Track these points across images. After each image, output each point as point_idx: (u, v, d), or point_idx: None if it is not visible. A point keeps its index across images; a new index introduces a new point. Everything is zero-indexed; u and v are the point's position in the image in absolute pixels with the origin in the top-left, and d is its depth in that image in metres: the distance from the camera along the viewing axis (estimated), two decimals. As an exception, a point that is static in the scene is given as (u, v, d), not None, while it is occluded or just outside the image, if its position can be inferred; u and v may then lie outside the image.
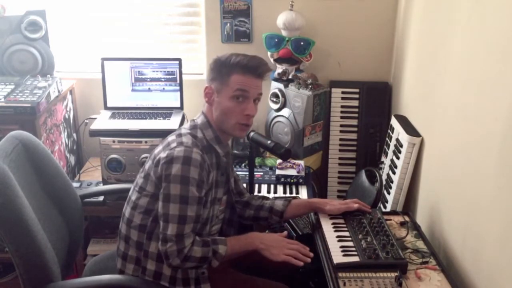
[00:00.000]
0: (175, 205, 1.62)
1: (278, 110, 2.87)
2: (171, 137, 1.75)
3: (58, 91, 2.78)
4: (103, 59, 2.80)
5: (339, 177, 3.07)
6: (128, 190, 2.25)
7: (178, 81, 2.83)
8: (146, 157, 2.53)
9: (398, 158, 2.43)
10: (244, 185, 2.54)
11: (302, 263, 1.72)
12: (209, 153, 1.75)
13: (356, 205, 1.97)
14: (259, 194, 2.30)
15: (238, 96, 1.71)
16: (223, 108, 1.73)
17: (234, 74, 1.71)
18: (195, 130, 1.76)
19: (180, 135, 1.73)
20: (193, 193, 1.63)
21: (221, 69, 1.72)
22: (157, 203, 1.68)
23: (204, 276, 1.77)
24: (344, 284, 1.62)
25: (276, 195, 2.50)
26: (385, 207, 2.52)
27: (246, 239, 1.77)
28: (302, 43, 2.85)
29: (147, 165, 1.75)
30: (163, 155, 1.66)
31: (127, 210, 1.79)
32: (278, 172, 2.62)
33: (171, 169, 1.62)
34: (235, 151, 2.80)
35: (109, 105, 2.84)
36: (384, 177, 2.56)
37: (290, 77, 2.86)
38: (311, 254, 1.75)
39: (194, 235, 1.67)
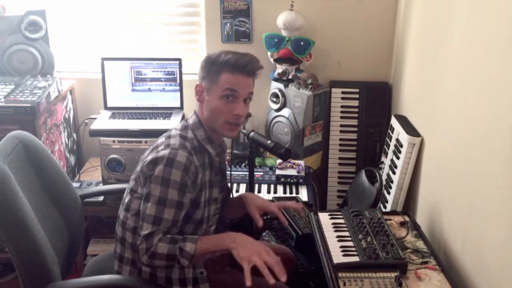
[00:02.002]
0: (152, 205, 1.61)
1: (278, 110, 2.87)
2: (160, 139, 1.74)
3: (58, 91, 2.78)
4: (103, 59, 2.79)
5: (339, 177, 3.07)
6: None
7: (178, 81, 2.83)
8: (146, 157, 2.55)
9: (398, 158, 2.43)
10: (244, 185, 2.55)
11: (272, 281, 1.51)
12: (201, 154, 1.73)
13: (260, 224, 1.86)
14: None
15: (227, 95, 1.69)
16: (212, 107, 1.72)
17: (223, 73, 1.69)
18: (186, 131, 1.75)
19: (169, 137, 1.72)
20: (173, 196, 1.61)
21: (211, 67, 1.71)
22: None
23: (203, 276, 1.76)
24: (344, 284, 1.62)
25: (276, 195, 2.49)
26: (385, 207, 2.52)
27: (218, 238, 1.67)
28: (302, 43, 2.85)
29: (138, 167, 1.75)
30: (149, 157, 1.66)
31: (121, 213, 1.78)
32: (278, 172, 2.61)
33: (154, 170, 1.62)
34: (235, 151, 2.80)
35: (109, 105, 2.84)
36: (384, 177, 2.56)
37: (290, 77, 2.86)
38: (284, 279, 1.54)
39: (163, 234, 1.61)
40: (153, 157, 1.64)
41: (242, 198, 1.96)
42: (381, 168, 2.68)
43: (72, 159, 3.01)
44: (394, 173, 2.46)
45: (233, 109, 1.70)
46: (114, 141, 2.57)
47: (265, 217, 2.31)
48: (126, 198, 1.77)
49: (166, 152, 1.63)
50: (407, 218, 2.05)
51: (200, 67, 1.76)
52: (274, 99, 2.88)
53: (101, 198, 2.58)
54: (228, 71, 1.68)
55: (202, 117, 1.77)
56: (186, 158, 1.63)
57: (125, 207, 1.75)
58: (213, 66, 1.71)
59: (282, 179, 2.60)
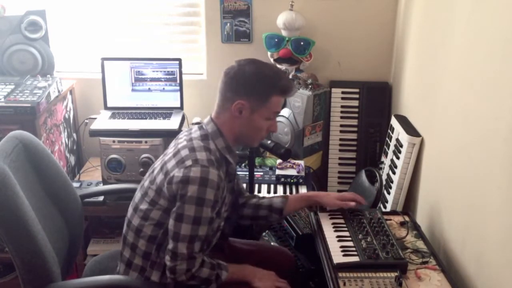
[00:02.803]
0: (187, 226, 1.61)
1: (278, 110, 2.87)
2: (184, 151, 1.67)
3: (58, 91, 2.78)
4: (103, 59, 2.79)
5: (339, 177, 3.07)
6: (128, 190, 2.25)
7: (178, 81, 2.83)
8: (147, 157, 2.54)
9: (398, 158, 2.43)
10: (244, 185, 2.54)
11: None
12: (221, 164, 1.72)
13: (352, 204, 1.97)
14: (255, 194, 2.30)
15: (273, 117, 1.76)
16: (255, 126, 1.73)
17: (274, 95, 1.70)
18: (207, 141, 1.71)
19: (193, 150, 1.66)
20: (207, 214, 1.62)
21: (263, 88, 1.69)
22: (169, 217, 1.66)
23: None
24: (344, 284, 1.62)
25: (276, 195, 2.49)
26: (385, 207, 2.52)
27: (243, 271, 1.79)
28: (302, 43, 2.85)
29: (158, 178, 1.68)
30: (178, 173, 1.61)
31: (135, 219, 1.73)
32: (278, 172, 2.62)
33: (187, 190, 1.59)
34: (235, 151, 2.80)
35: (109, 105, 2.84)
36: (384, 177, 2.57)
37: (290, 77, 2.86)
38: None
39: (202, 255, 1.67)
40: (184, 176, 1.60)
41: (312, 197, 2.02)
42: (381, 168, 2.68)
43: (72, 159, 3.01)
44: (394, 173, 2.46)
45: (270, 126, 1.76)
46: (114, 141, 2.57)
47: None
48: (142, 205, 1.72)
49: (197, 170, 1.60)
50: (407, 218, 2.05)
51: (244, 82, 1.69)
52: (274, 99, 2.88)
53: (101, 198, 2.58)
54: (279, 95, 1.72)
55: (227, 127, 1.73)
56: (218, 176, 1.62)
57: (142, 215, 1.71)
58: (266, 87, 1.69)
59: (282, 179, 2.60)
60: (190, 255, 1.63)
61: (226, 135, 1.73)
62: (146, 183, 1.75)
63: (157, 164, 1.76)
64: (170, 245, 1.64)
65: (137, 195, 1.78)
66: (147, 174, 1.80)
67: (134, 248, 1.74)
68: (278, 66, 2.89)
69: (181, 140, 1.75)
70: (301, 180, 2.59)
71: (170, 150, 1.75)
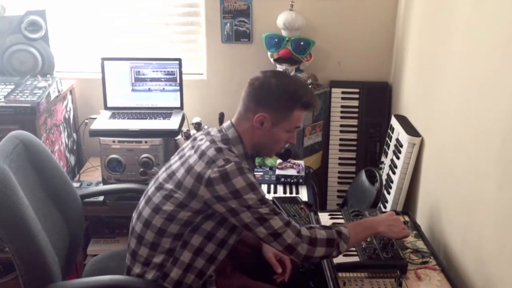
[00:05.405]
0: (261, 208, 1.60)
1: (278, 110, 2.87)
2: (210, 151, 1.65)
3: (58, 91, 2.78)
4: (103, 59, 2.79)
5: (339, 177, 3.07)
6: (128, 190, 2.25)
7: (178, 81, 2.83)
8: (147, 157, 2.55)
9: (398, 158, 2.43)
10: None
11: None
12: None
13: (279, 270, 1.90)
14: None
15: (294, 130, 1.75)
16: (275, 138, 1.73)
17: (297, 110, 1.70)
18: (229, 146, 1.70)
19: (220, 150, 1.65)
20: (263, 192, 1.64)
21: (287, 102, 1.68)
22: (199, 216, 1.64)
23: (211, 279, 1.76)
24: (344, 284, 1.62)
25: (276, 195, 2.49)
26: (385, 207, 2.52)
27: (365, 223, 1.76)
28: (302, 43, 2.85)
29: (187, 182, 1.64)
30: (214, 174, 1.59)
31: (157, 220, 1.69)
32: (278, 172, 2.62)
33: (235, 184, 1.58)
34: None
35: (109, 105, 2.83)
36: (384, 177, 2.57)
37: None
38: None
39: (292, 222, 1.65)
40: (222, 174, 1.58)
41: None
42: (381, 168, 2.69)
43: (72, 159, 3.01)
44: (394, 173, 2.46)
45: (289, 138, 1.76)
46: (114, 141, 2.57)
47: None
48: (166, 207, 1.67)
49: (232, 165, 1.59)
50: (407, 218, 2.05)
51: (268, 93, 1.69)
52: (274, 99, 2.88)
53: (101, 198, 2.57)
54: (302, 109, 1.71)
55: (247, 136, 1.73)
56: (247, 169, 1.64)
57: (167, 216, 1.66)
58: (289, 101, 1.69)
59: (282, 179, 2.60)
60: (287, 222, 1.61)
61: (244, 142, 1.73)
62: (169, 186, 1.69)
63: (176, 167, 1.71)
64: (279, 245, 1.62)
65: (156, 196, 1.72)
66: (164, 175, 1.74)
67: (155, 247, 1.70)
68: (278, 66, 2.89)
69: (202, 142, 1.71)
70: (301, 180, 2.59)
71: (188, 152, 1.72)
